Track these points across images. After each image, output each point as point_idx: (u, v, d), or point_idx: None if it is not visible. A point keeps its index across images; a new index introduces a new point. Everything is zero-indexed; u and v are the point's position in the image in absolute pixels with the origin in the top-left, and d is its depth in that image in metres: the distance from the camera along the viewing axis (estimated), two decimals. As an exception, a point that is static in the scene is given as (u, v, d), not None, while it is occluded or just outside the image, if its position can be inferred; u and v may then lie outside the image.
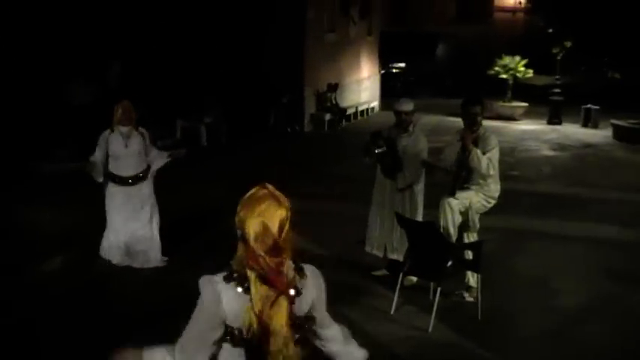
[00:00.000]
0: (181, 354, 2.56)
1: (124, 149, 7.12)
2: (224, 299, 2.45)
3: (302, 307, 2.56)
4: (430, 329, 5.87)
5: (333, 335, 2.79)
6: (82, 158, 7.21)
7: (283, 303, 2.45)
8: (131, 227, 7.31)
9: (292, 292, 2.49)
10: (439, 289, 5.94)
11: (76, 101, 14.69)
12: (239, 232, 2.51)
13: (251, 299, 2.43)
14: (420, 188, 6.91)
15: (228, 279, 2.47)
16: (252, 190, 2.55)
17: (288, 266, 2.52)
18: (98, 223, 7.41)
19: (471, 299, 6.47)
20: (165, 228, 7.55)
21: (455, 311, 6.27)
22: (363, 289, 6.81)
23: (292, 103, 19.13)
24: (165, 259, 7.41)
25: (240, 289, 2.45)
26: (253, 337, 2.46)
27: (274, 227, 2.46)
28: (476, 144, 6.12)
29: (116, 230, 7.33)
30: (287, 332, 2.47)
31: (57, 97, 14.47)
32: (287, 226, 2.50)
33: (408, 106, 6.85)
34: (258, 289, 2.43)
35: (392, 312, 6.21)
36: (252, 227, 2.45)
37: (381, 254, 7.11)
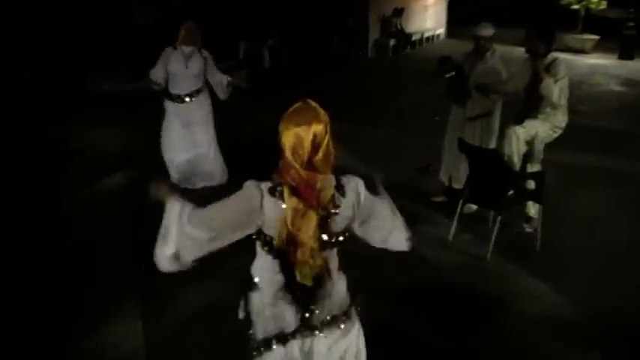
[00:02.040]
0: (200, 225, 2.63)
1: (184, 69, 7.12)
2: (265, 205, 2.55)
3: (338, 224, 2.65)
4: (488, 258, 5.86)
5: (379, 225, 2.84)
6: (142, 79, 7.26)
7: (313, 216, 2.54)
8: (188, 146, 7.37)
9: (329, 209, 2.58)
10: (499, 218, 5.89)
11: (138, 22, 14.78)
12: (279, 144, 2.58)
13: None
14: (495, 118, 6.75)
15: (272, 191, 2.55)
16: (295, 105, 2.62)
17: (327, 182, 2.59)
18: (157, 142, 7.53)
19: (530, 230, 6.41)
20: (224, 149, 7.62)
21: (513, 241, 6.22)
22: (421, 215, 6.80)
23: (356, 27, 18.85)
24: (220, 178, 7.51)
25: (279, 201, 2.53)
26: (282, 247, 2.58)
27: (308, 141, 2.52)
28: (547, 72, 5.95)
29: (173, 149, 7.41)
30: (314, 244, 2.57)
31: (119, 18, 14.58)
32: (325, 142, 2.56)
33: (486, 31, 6.61)
34: (289, 201, 2.52)
35: (450, 239, 6.22)
36: (288, 139, 2.54)
37: (446, 182, 7.08)
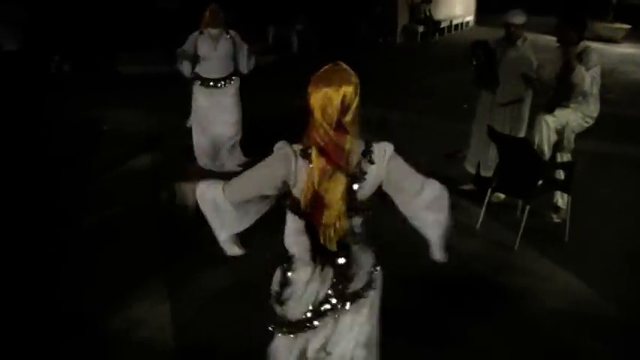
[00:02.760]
0: (233, 194, 2.75)
1: (213, 52, 7.13)
2: (294, 166, 2.55)
3: (365, 189, 2.63)
4: (516, 247, 5.82)
5: (417, 204, 2.78)
6: (168, 61, 7.29)
7: (341, 179, 2.53)
8: (216, 129, 7.41)
9: (356, 174, 2.56)
10: (528, 207, 5.85)
11: (163, 5, 14.83)
12: (308, 105, 2.57)
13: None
14: (525, 106, 6.67)
15: (303, 153, 2.55)
16: (325, 66, 2.61)
17: (355, 146, 2.57)
18: (184, 124, 7.55)
19: (559, 220, 6.35)
20: (249, 132, 7.65)
21: (541, 231, 6.17)
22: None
23: (385, 13, 18.78)
24: (245, 160, 7.51)
25: (310, 165, 2.53)
26: (306, 207, 2.58)
27: (337, 101, 2.50)
28: (579, 60, 5.87)
29: (202, 132, 7.46)
30: (341, 207, 2.55)
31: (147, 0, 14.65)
32: (354, 104, 2.55)
33: (518, 18, 6.52)
34: (317, 162, 2.51)
35: (478, 227, 6.18)
36: (317, 99, 2.52)
37: (473, 170, 7.03)
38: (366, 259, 2.82)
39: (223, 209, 2.77)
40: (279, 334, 2.90)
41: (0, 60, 10.81)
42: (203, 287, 5.02)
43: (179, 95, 7.43)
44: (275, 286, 2.85)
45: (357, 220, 2.73)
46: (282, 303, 2.81)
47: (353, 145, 2.55)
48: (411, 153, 7.75)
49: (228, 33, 7.24)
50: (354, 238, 2.73)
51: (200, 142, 7.50)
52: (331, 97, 2.50)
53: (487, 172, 6.74)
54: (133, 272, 5.20)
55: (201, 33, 7.16)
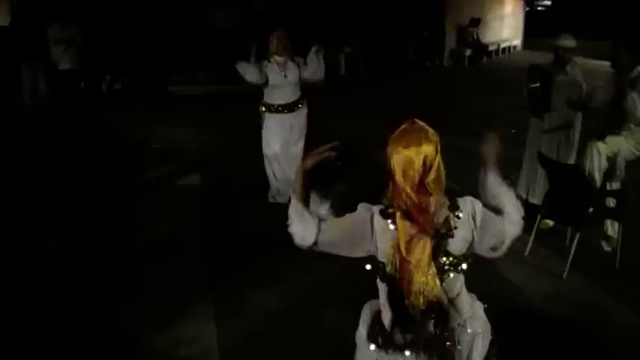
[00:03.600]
0: (320, 241, 2.57)
1: (283, 79, 7.08)
2: (377, 228, 2.50)
3: (456, 245, 2.54)
4: (565, 275, 5.73)
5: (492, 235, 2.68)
6: (221, 81, 7.32)
7: (427, 241, 2.43)
8: (285, 158, 7.29)
9: (444, 231, 2.47)
10: (577, 235, 5.76)
11: (218, 26, 15.05)
12: (388, 168, 2.51)
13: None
14: (575, 132, 6.60)
15: (384, 214, 2.50)
16: (402, 126, 2.54)
17: (440, 204, 2.48)
18: (236, 144, 7.58)
19: (609, 249, 6.23)
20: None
21: (591, 259, 6.03)
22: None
23: (432, 37, 18.79)
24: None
25: (392, 226, 2.47)
26: (395, 272, 2.49)
27: (419, 162, 2.43)
28: (632, 86, 5.80)
29: (275, 161, 7.33)
30: (429, 270, 2.44)
31: (200, 22, 14.88)
32: (436, 163, 2.48)
33: (568, 42, 6.46)
34: (401, 225, 2.43)
35: (526, 254, 6.10)
36: (397, 162, 2.46)
37: (525, 195, 6.95)
38: (468, 309, 2.74)
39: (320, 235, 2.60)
40: None
41: (55, 78, 11.08)
42: (250, 308, 5.03)
43: (228, 114, 7.50)
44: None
45: (455, 281, 2.62)
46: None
47: (437, 204, 2.48)
48: (456, 177, 7.70)
49: (293, 60, 7.20)
50: (448, 302, 2.59)
51: (274, 171, 7.37)
52: (412, 160, 2.44)
53: (536, 200, 6.66)
54: (180, 291, 5.25)
55: (269, 62, 7.09)
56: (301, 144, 7.35)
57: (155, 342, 4.55)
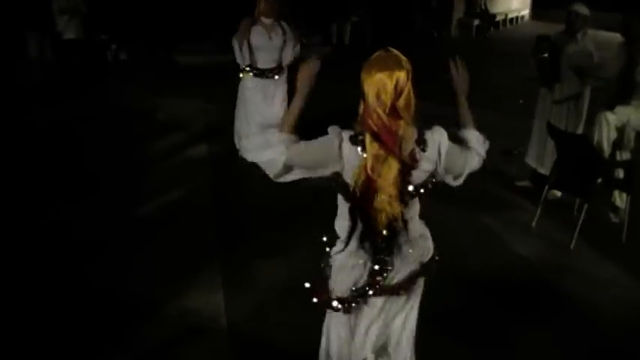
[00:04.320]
0: (289, 157, 2.71)
1: (268, 42, 7.04)
2: (345, 151, 2.58)
3: (418, 177, 2.66)
4: (572, 246, 5.72)
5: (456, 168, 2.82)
6: (229, 51, 7.28)
7: (394, 164, 2.55)
8: (263, 120, 7.27)
9: (410, 163, 2.58)
10: (585, 206, 5.73)
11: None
12: (361, 91, 2.60)
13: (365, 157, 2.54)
14: (584, 103, 6.54)
15: (353, 139, 2.58)
16: (375, 54, 2.64)
17: (409, 133, 2.59)
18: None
19: (617, 221, 6.22)
20: (300, 123, 7.58)
21: (598, 231, 6.03)
22: (505, 199, 6.72)
23: (440, 6, 18.61)
24: None
25: (359, 149, 2.56)
26: (357, 191, 2.60)
27: (391, 86, 2.53)
28: (642, 57, 5.75)
29: (248, 122, 7.35)
30: (393, 192, 2.57)
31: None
32: (407, 90, 2.56)
33: (582, 8, 6.37)
34: (370, 146, 2.53)
35: (533, 225, 6.09)
36: (371, 85, 2.55)
37: (534, 165, 6.92)
38: (417, 250, 2.83)
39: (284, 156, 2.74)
40: (328, 311, 2.99)
41: (60, 48, 11.02)
42: (259, 278, 5.04)
43: (236, 85, 7.44)
44: (322, 262, 2.93)
45: (412, 209, 2.77)
46: (326, 277, 2.90)
47: (406, 131, 2.58)
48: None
49: (280, 24, 7.16)
50: (405, 223, 2.72)
51: (246, 132, 7.38)
52: (385, 83, 2.52)
53: (545, 170, 6.63)
54: (189, 261, 5.26)
55: (254, 22, 7.07)
56: (279, 112, 7.27)
57: (163, 310, 4.56)
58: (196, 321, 4.46)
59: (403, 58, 2.62)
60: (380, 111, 2.52)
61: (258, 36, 7.04)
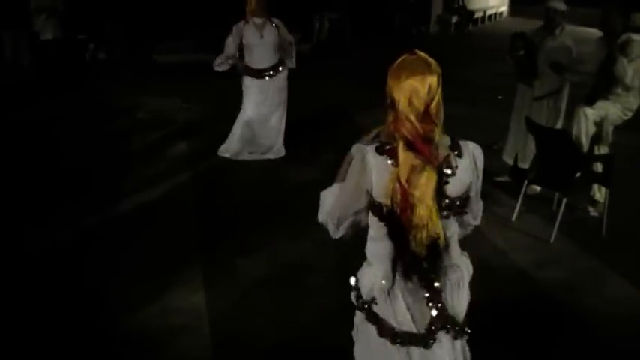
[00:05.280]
0: (326, 216, 2.60)
1: (260, 40, 7.12)
2: (374, 170, 2.41)
3: (456, 188, 2.45)
4: (552, 240, 5.77)
5: (469, 222, 2.70)
6: (208, 50, 7.31)
7: (431, 174, 2.34)
8: (262, 118, 7.40)
9: (446, 170, 2.40)
10: (564, 200, 5.78)
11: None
12: (388, 100, 2.43)
13: (397, 169, 2.35)
14: (562, 98, 6.59)
15: (379, 150, 2.41)
16: (402, 57, 2.48)
17: (443, 140, 2.44)
18: (223, 113, 7.56)
19: (596, 214, 6.27)
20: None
21: (578, 225, 6.09)
22: (485, 194, 6.66)
23: (419, 3, 18.66)
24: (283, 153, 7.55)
25: (390, 162, 2.38)
26: (395, 208, 2.38)
27: (424, 91, 2.37)
28: (622, 51, 5.79)
29: (246, 122, 7.44)
30: (433, 206, 2.35)
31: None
32: (438, 95, 2.42)
33: (559, 4, 6.41)
34: (405, 157, 2.33)
35: (513, 219, 6.13)
36: (402, 91, 2.37)
37: (511, 162, 6.96)
38: (458, 260, 2.66)
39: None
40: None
41: (37, 48, 10.92)
42: (239, 276, 5.02)
43: (214, 84, 7.45)
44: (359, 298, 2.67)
45: (451, 228, 2.56)
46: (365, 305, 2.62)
47: (440, 137, 2.42)
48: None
49: (272, 22, 7.22)
50: (447, 241, 2.52)
51: (240, 131, 7.48)
52: (417, 88, 2.36)
53: (525, 165, 6.67)
54: (169, 259, 5.23)
55: (246, 22, 7.14)
56: (279, 112, 7.42)
57: (144, 309, 4.53)
58: (178, 319, 4.44)
59: (432, 61, 2.46)
60: (413, 118, 2.35)
61: (249, 35, 7.12)
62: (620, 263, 5.42)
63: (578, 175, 5.80)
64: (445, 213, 2.44)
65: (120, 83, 11.16)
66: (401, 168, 2.33)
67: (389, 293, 2.53)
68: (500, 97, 8.37)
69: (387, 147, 2.40)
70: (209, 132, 7.68)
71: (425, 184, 2.32)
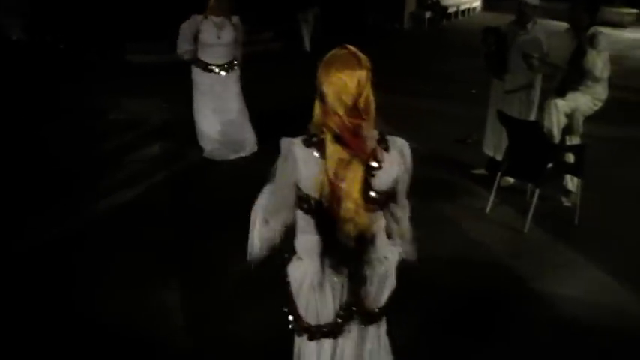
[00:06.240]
0: (266, 213, 2.68)
1: (216, 40, 7.03)
2: (301, 162, 2.42)
3: (382, 181, 2.48)
4: (526, 230, 5.84)
5: (400, 216, 2.73)
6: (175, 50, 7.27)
7: (359, 168, 2.38)
8: (221, 117, 7.36)
9: (373, 163, 2.42)
10: (537, 191, 5.86)
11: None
12: (318, 92, 2.44)
13: (325, 161, 2.39)
14: (535, 91, 6.65)
15: (306, 142, 2.43)
16: (332, 51, 2.48)
17: (371, 134, 2.45)
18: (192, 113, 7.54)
19: (569, 204, 6.36)
20: (254, 119, 7.64)
21: (551, 215, 6.18)
22: (460, 186, 6.81)
23: (392, 0, 18.71)
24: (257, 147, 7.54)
25: (317, 154, 2.40)
26: (324, 201, 2.43)
27: (352, 86, 2.37)
28: (592, 44, 5.88)
29: (206, 120, 7.40)
30: (359, 199, 2.39)
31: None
32: (367, 89, 2.42)
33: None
34: (332, 150, 2.37)
35: (488, 211, 6.20)
36: (331, 85, 2.38)
37: (491, 153, 7.00)
38: (386, 252, 2.72)
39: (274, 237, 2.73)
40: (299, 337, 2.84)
41: (8, 49, 10.79)
42: (215, 275, 5.01)
43: (189, 84, 7.41)
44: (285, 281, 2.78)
45: (378, 217, 2.62)
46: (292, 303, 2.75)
47: (368, 132, 2.42)
48: (421, 138, 7.80)
49: (231, 20, 7.14)
50: (374, 235, 2.60)
51: (205, 130, 7.46)
52: (346, 83, 2.36)
53: (500, 157, 6.73)
54: (146, 262, 5.21)
55: (204, 17, 7.03)
56: (234, 105, 7.37)
57: (120, 309, 4.52)
58: (158, 319, 4.43)
59: (362, 56, 2.44)
60: (341, 112, 2.36)
61: (207, 33, 7.03)
62: (593, 252, 5.51)
63: (550, 166, 5.88)
64: (372, 206, 2.49)
65: (93, 84, 11.05)
66: (328, 161, 2.37)
67: (318, 286, 2.61)
68: (473, 91, 8.42)
69: (314, 139, 2.42)
70: (183, 132, 7.64)
71: (352, 178, 2.37)
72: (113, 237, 5.63)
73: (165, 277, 4.96)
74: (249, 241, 2.77)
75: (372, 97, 2.44)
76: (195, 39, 7.09)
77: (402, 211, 2.71)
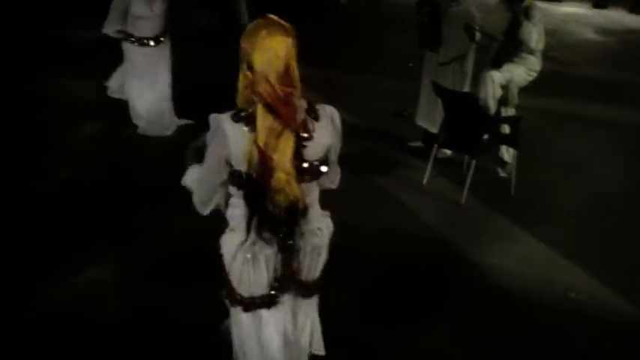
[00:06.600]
0: (198, 190, 2.65)
1: (149, 12, 6.80)
2: (231, 138, 2.38)
3: (314, 151, 2.47)
4: (463, 202, 5.88)
5: (333, 179, 2.77)
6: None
7: (290, 137, 2.35)
8: (155, 92, 7.20)
9: (304, 134, 2.40)
10: (473, 162, 5.89)
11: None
12: (244, 64, 2.40)
13: (256, 131, 2.35)
14: (468, 63, 6.62)
15: (235, 117, 2.39)
16: (255, 22, 2.43)
17: (300, 104, 2.42)
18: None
19: (505, 175, 6.42)
20: (183, 96, 7.49)
21: (488, 186, 6.24)
22: (397, 159, 6.80)
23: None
24: (185, 121, 7.38)
25: (246, 128, 2.36)
26: (252, 173, 2.39)
27: (282, 52, 2.34)
28: (527, 16, 5.93)
29: (139, 95, 7.22)
30: (291, 169, 2.37)
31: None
32: (294, 58, 2.39)
33: None
34: (263, 120, 2.32)
35: (424, 183, 6.21)
36: (260, 51, 2.34)
37: (425, 125, 7.00)
38: (319, 223, 2.70)
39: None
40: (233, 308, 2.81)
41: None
42: (154, 250, 4.91)
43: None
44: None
45: (312, 194, 2.62)
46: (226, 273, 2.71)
47: (298, 101, 2.40)
48: (358, 113, 7.76)
49: None
50: (305, 205, 2.57)
51: (139, 105, 7.26)
52: (275, 48, 2.32)
53: (435, 129, 6.74)
54: (79, 238, 5.06)
55: None
56: (168, 81, 7.20)
57: (53, 287, 4.41)
58: (86, 295, 4.35)
59: (286, 24, 2.40)
60: (272, 79, 2.31)
61: (138, 6, 6.76)
62: (529, 222, 5.59)
63: (486, 137, 5.92)
64: (304, 177, 2.47)
65: (28, 62, 10.64)
66: (259, 131, 2.33)
67: (251, 259, 2.58)
68: (410, 64, 8.41)
69: (243, 113, 2.38)
70: (121, 109, 7.43)
71: (283, 148, 2.34)
72: (45, 217, 5.43)
73: (93, 253, 4.84)
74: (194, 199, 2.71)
75: (296, 67, 2.40)
76: (124, 14, 6.84)
77: (330, 179, 2.73)
